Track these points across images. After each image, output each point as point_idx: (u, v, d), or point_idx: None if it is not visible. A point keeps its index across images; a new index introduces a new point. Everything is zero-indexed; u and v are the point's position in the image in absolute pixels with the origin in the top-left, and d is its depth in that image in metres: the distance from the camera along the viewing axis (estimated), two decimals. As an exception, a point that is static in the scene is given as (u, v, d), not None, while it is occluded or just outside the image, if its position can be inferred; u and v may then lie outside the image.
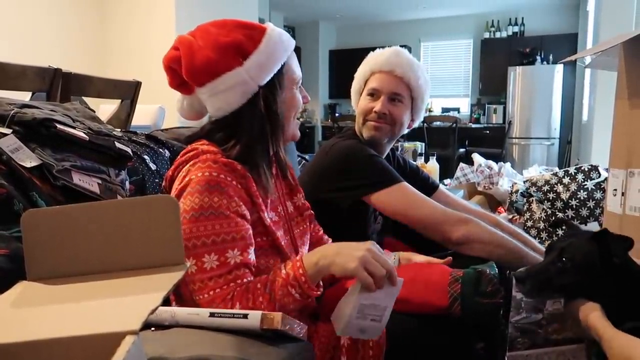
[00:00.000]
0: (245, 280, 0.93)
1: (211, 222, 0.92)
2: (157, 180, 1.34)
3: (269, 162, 1.07)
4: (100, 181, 1.07)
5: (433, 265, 1.19)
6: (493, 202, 2.69)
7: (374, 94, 1.46)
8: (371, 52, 1.51)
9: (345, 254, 0.88)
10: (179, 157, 1.04)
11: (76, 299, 0.57)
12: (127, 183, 1.21)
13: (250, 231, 0.98)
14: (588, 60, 1.77)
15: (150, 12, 4.22)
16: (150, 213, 0.61)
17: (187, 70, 0.98)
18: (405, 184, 1.38)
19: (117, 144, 1.20)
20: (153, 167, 1.36)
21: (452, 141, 5.95)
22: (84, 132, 1.09)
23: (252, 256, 0.97)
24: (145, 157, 1.35)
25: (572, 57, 1.66)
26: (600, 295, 0.91)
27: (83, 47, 4.16)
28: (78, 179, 1.01)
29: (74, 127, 1.09)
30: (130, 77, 2.57)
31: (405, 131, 1.57)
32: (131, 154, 1.24)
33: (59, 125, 1.05)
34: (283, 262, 1.00)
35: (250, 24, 1.04)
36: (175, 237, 0.61)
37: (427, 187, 1.62)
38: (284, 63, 1.05)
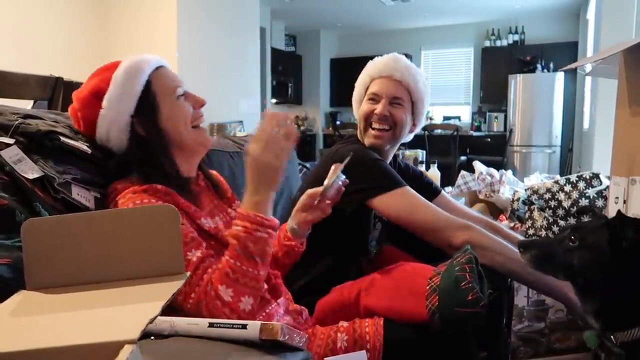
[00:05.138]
0: (214, 267, 0.94)
1: None
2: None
3: (177, 174, 1.07)
4: (98, 195, 1.07)
5: (417, 269, 1.17)
6: (494, 210, 2.68)
7: (374, 99, 1.47)
8: (370, 61, 1.53)
9: (264, 171, 0.97)
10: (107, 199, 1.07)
11: (75, 308, 0.57)
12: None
13: (196, 233, 0.99)
14: (588, 68, 1.78)
15: (152, 22, 4.25)
16: (150, 222, 0.61)
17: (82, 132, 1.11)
18: (409, 188, 1.38)
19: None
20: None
21: (453, 149, 5.95)
22: (86, 145, 1.10)
23: (207, 250, 0.98)
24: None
25: (573, 65, 1.66)
26: (605, 285, 0.88)
27: (86, 55, 4.18)
28: (77, 193, 1.02)
29: (76, 140, 1.10)
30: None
31: (409, 137, 1.58)
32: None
33: (62, 138, 1.06)
34: None
35: (106, 66, 1.10)
36: (174, 246, 0.60)
37: (430, 191, 1.62)
38: (148, 83, 1.06)
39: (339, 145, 1.52)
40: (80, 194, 1.03)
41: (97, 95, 1.05)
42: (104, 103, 1.04)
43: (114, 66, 1.08)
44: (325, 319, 1.17)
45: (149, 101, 1.06)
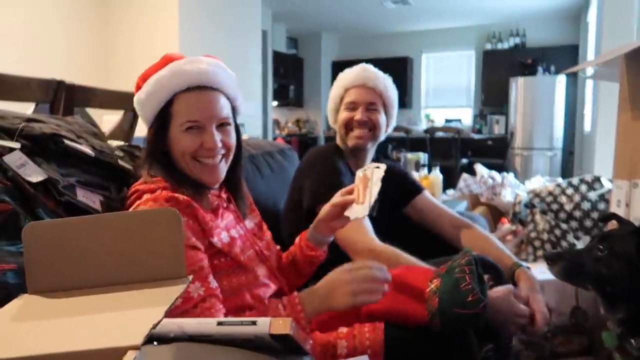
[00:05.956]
0: (213, 310, 0.94)
1: None
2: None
3: (196, 185, 1.07)
4: (102, 198, 1.06)
5: (417, 271, 1.17)
6: (496, 213, 2.68)
7: (352, 107, 1.60)
8: (340, 73, 1.67)
9: (337, 294, 1.00)
10: (127, 200, 1.07)
11: (77, 313, 0.56)
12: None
13: (206, 260, 0.99)
14: (590, 71, 1.78)
15: (154, 24, 4.26)
16: (152, 226, 0.61)
17: None
18: None
19: (120, 162, 1.20)
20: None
21: (454, 152, 5.94)
22: (90, 148, 1.10)
23: (213, 284, 0.98)
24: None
25: (575, 69, 1.67)
26: (633, 293, 0.88)
27: (88, 58, 4.19)
28: (82, 196, 1.01)
29: (79, 143, 1.10)
30: (133, 88, 2.58)
31: (383, 136, 1.68)
32: (134, 171, 1.24)
33: (66, 141, 1.06)
34: (246, 276, 1.06)
35: (158, 63, 1.10)
36: (177, 249, 0.60)
37: (413, 189, 1.74)
38: (170, 102, 1.05)
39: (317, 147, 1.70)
40: (86, 197, 1.02)
41: (138, 86, 1.10)
42: (135, 98, 1.09)
43: (166, 61, 1.08)
44: (324, 325, 1.17)
45: (164, 118, 1.06)
